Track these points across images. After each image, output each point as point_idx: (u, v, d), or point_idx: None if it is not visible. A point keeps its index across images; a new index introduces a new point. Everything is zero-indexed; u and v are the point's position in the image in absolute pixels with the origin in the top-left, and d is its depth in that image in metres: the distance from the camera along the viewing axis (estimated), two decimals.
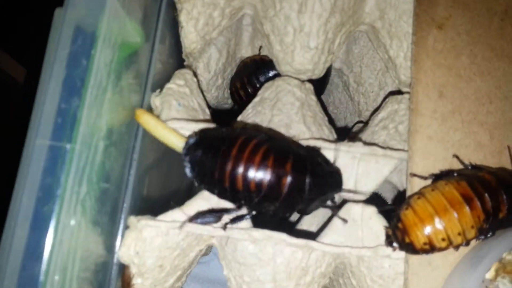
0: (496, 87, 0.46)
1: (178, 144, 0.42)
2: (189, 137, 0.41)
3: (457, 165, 0.43)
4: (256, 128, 0.48)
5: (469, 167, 0.43)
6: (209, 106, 0.71)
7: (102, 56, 0.35)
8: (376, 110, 0.56)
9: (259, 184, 0.38)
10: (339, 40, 0.53)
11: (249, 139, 0.39)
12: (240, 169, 0.38)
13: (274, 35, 0.53)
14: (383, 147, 0.46)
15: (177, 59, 0.58)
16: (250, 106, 0.52)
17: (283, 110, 0.49)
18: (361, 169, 0.46)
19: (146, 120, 0.42)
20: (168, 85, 0.49)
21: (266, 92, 0.52)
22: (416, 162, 0.43)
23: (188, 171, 0.40)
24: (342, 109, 0.75)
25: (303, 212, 0.51)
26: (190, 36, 0.51)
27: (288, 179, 0.38)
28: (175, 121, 0.45)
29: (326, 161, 0.42)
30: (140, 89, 0.48)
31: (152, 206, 0.49)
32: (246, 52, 0.67)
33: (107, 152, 0.39)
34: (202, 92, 0.62)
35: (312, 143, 0.46)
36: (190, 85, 0.51)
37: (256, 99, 0.52)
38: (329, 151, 0.46)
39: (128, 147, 0.45)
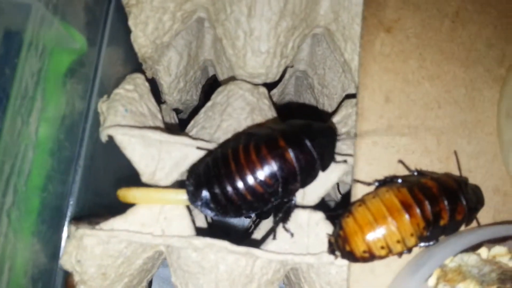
0: (446, 91, 0.45)
1: (180, 198, 0.41)
2: (186, 186, 0.40)
3: (403, 171, 0.43)
4: (235, 135, 0.47)
5: (415, 173, 0.42)
6: (178, 111, 0.72)
7: (28, 65, 0.35)
8: (334, 113, 0.55)
9: (273, 176, 0.38)
10: (292, 44, 0.52)
11: (235, 147, 0.39)
12: (250, 177, 0.38)
13: (226, 39, 0.52)
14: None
15: (136, 63, 0.57)
16: (202, 110, 0.51)
17: (232, 115, 0.48)
18: None
19: (133, 196, 0.42)
20: (116, 90, 0.49)
21: (218, 96, 0.51)
22: (361, 167, 0.43)
23: (209, 213, 0.40)
24: None
25: (324, 168, 0.47)
26: (139, 40, 0.51)
27: (290, 152, 0.38)
28: (118, 127, 0.45)
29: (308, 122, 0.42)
30: (86, 95, 0.47)
31: (103, 211, 0.49)
32: (209, 54, 0.66)
33: (41, 161, 0.39)
34: (161, 95, 0.62)
35: None
36: (140, 90, 0.50)
37: (208, 104, 0.52)
38: None
39: (71, 154, 0.44)
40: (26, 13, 0.35)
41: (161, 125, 0.51)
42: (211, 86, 0.76)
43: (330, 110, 0.66)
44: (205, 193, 0.39)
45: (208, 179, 0.39)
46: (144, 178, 0.46)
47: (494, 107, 0.45)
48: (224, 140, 0.47)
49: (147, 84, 0.52)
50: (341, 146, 0.48)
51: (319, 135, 0.41)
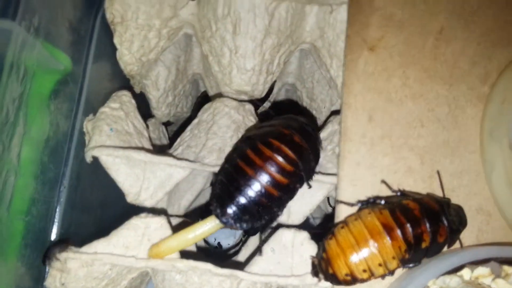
0: (429, 109, 0.45)
1: (212, 225, 0.40)
2: (212, 210, 0.40)
3: (387, 191, 0.43)
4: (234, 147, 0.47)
5: (398, 193, 0.42)
6: (168, 123, 0.72)
7: (9, 91, 0.35)
8: (322, 127, 0.55)
9: (291, 162, 0.39)
10: (278, 60, 0.52)
11: (243, 153, 0.40)
12: (270, 173, 0.39)
13: (212, 56, 0.52)
14: (315, 172, 0.45)
15: (124, 78, 0.57)
16: (188, 128, 0.52)
17: (218, 134, 0.49)
18: None
19: (166, 249, 0.41)
20: (102, 109, 0.49)
21: (204, 114, 0.51)
22: (344, 188, 0.43)
23: (245, 227, 0.40)
24: None
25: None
26: (125, 58, 0.51)
27: (297, 135, 0.41)
28: (102, 148, 0.45)
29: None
30: (71, 114, 0.47)
31: (90, 230, 0.49)
32: (198, 68, 0.66)
33: (24, 184, 0.39)
34: (150, 109, 0.62)
35: None
36: (126, 108, 0.50)
37: (195, 121, 0.52)
38: None
39: (55, 175, 0.44)
40: (6, 38, 0.35)
41: (147, 143, 0.51)
42: (205, 97, 0.76)
43: (319, 123, 0.66)
44: (232, 209, 0.39)
45: (229, 194, 0.39)
46: (129, 199, 0.46)
47: (477, 125, 0.45)
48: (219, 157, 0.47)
49: (133, 101, 0.52)
50: (326, 165, 0.48)
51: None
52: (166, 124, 0.72)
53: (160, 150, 0.62)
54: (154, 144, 0.61)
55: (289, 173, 0.39)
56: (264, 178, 0.39)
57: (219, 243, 0.83)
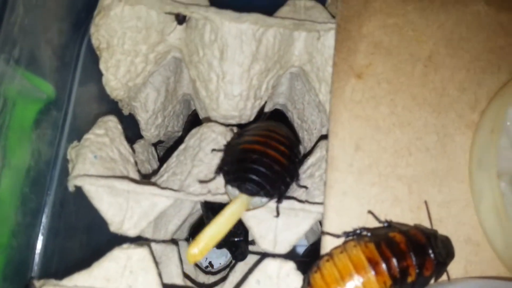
0: (417, 138, 0.44)
1: (240, 203, 0.41)
2: (234, 186, 0.42)
3: (374, 222, 0.42)
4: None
5: (385, 224, 0.42)
6: (160, 142, 0.71)
7: None
8: (311, 152, 0.55)
9: (287, 142, 0.45)
10: (266, 86, 0.52)
11: (245, 139, 0.45)
12: (273, 143, 0.43)
13: (200, 81, 0.52)
14: (301, 201, 0.45)
15: (112, 100, 0.56)
16: (175, 154, 0.51)
17: (204, 161, 0.48)
18: (280, 222, 0.45)
19: (206, 240, 0.39)
20: (86, 136, 0.48)
21: (191, 139, 0.51)
22: (330, 219, 0.42)
23: (267, 191, 0.41)
24: None
25: None
26: (111, 84, 0.50)
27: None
28: (85, 177, 0.44)
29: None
30: (54, 142, 0.46)
31: (73, 259, 0.48)
32: (188, 88, 0.66)
33: (4, 218, 0.38)
34: (139, 131, 0.62)
35: (225, 198, 0.44)
36: (111, 133, 0.50)
37: (181, 147, 0.51)
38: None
39: (37, 205, 0.44)
40: None
41: (133, 169, 0.50)
42: (197, 115, 0.76)
43: (310, 144, 0.66)
44: (252, 176, 0.41)
45: (245, 169, 0.42)
46: (112, 228, 0.45)
47: (466, 154, 0.44)
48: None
49: (119, 126, 0.51)
50: (314, 192, 0.47)
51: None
52: (157, 142, 0.72)
53: (148, 174, 0.62)
54: (141, 169, 0.61)
55: (287, 146, 0.44)
56: (271, 148, 0.43)
57: (210, 262, 0.82)
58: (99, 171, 0.46)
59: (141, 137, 0.64)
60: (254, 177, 0.41)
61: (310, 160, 0.51)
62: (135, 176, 0.50)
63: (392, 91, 0.45)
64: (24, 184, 0.41)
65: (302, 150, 0.49)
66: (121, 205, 0.45)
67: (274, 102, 0.67)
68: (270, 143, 0.43)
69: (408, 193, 0.43)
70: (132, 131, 0.62)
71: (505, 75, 0.47)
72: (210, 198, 0.45)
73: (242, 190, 0.41)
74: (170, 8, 0.47)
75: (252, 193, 0.41)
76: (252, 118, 0.54)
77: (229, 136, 0.50)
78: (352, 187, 0.43)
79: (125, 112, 0.60)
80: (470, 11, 0.48)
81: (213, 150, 0.48)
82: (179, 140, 0.81)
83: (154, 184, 0.46)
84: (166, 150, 0.85)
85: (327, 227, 0.42)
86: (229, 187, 0.43)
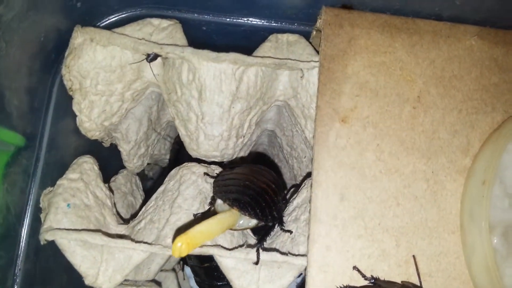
0: (405, 186, 0.42)
1: (231, 214, 0.42)
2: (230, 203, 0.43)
3: (359, 278, 0.40)
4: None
5: (371, 281, 0.39)
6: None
7: None
8: (297, 189, 0.53)
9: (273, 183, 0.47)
10: (248, 123, 0.50)
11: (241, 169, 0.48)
12: (265, 178, 0.46)
13: (179, 119, 0.49)
14: (283, 253, 0.43)
15: None
16: (154, 197, 0.49)
17: (183, 207, 0.46)
18: (263, 274, 0.43)
19: (195, 234, 0.38)
20: (60, 181, 0.46)
21: (171, 182, 0.48)
22: (313, 276, 0.40)
23: (255, 214, 0.43)
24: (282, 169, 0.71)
25: None
26: (85, 125, 0.48)
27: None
28: (56, 231, 0.42)
29: None
30: (25, 190, 0.44)
31: None
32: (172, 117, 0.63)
33: None
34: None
35: (204, 250, 0.42)
36: (86, 177, 0.47)
37: (161, 189, 0.49)
38: (225, 259, 0.42)
39: (8, 260, 0.42)
40: None
41: (109, 213, 0.48)
42: None
43: (299, 172, 0.63)
44: (248, 200, 0.43)
45: (243, 192, 0.44)
46: (87, 281, 0.43)
47: (457, 202, 0.42)
48: None
49: (95, 167, 0.49)
50: (299, 238, 0.45)
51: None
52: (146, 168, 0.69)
53: (129, 210, 0.60)
54: (123, 202, 0.59)
55: (276, 187, 0.46)
56: (263, 183, 0.45)
57: None
58: (73, 220, 0.44)
59: (123, 168, 0.62)
60: (246, 197, 0.43)
61: (296, 201, 0.49)
62: (112, 220, 0.48)
63: (378, 135, 0.43)
64: None
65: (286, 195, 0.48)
66: (95, 258, 0.43)
67: (262, 128, 0.65)
68: (263, 179, 0.46)
69: (395, 246, 0.41)
70: (116, 159, 0.60)
71: (500, 115, 0.44)
72: None
73: (234, 205, 0.42)
74: (144, 48, 0.45)
75: (242, 209, 0.42)
76: (235, 156, 0.52)
77: (209, 178, 0.48)
78: (336, 241, 0.40)
79: (106, 144, 0.58)
80: (462, 46, 0.46)
81: (205, 174, 0.48)
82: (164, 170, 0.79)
83: (128, 237, 0.44)
84: (159, 173, 0.84)
85: (310, 285, 0.40)
86: (219, 202, 0.44)
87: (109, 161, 0.62)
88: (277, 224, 0.46)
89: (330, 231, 0.41)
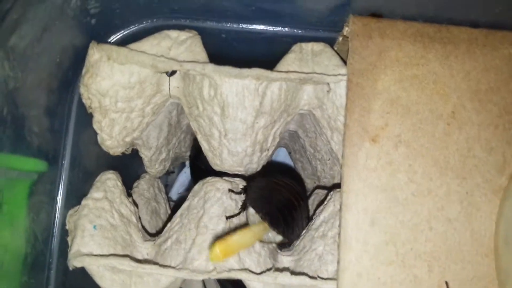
0: (438, 208, 0.41)
1: (265, 228, 0.43)
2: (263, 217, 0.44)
3: None
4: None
5: None
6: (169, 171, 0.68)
7: None
8: (323, 202, 0.51)
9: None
10: (273, 137, 0.48)
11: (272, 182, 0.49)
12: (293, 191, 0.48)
13: (201, 134, 0.48)
14: (312, 277, 0.42)
15: None
16: (178, 213, 0.48)
17: (209, 227, 0.45)
18: None
19: (228, 249, 0.39)
20: (84, 201, 0.46)
21: (195, 198, 0.48)
22: None
23: (282, 231, 0.44)
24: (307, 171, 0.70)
25: None
26: (107, 143, 0.47)
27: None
28: (84, 257, 0.42)
29: None
30: (51, 215, 0.44)
31: None
32: None
33: None
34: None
35: (233, 275, 0.42)
36: (111, 195, 0.47)
37: (185, 204, 0.48)
38: (254, 283, 0.42)
39: (38, 285, 0.42)
40: None
41: (135, 230, 0.48)
42: None
43: (323, 174, 0.62)
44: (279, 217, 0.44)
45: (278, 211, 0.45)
46: None
47: (492, 224, 0.41)
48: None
49: (119, 183, 0.49)
50: (326, 256, 0.44)
51: None
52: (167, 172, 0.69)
53: (154, 212, 0.60)
54: (147, 208, 0.59)
55: (305, 204, 0.49)
56: (296, 200, 0.46)
57: None
58: (100, 243, 0.44)
59: (145, 172, 0.62)
60: (280, 215, 0.44)
61: (323, 215, 0.48)
62: (138, 238, 0.47)
63: (410, 155, 0.41)
64: (22, 274, 0.39)
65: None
66: (124, 281, 0.43)
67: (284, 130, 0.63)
68: (296, 195, 0.47)
69: (427, 271, 0.40)
70: (138, 163, 0.60)
71: None
72: (215, 276, 0.42)
73: (267, 219, 0.43)
74: (164, 66, 0.43)
75: (275, 226, 0.43)
76: (259, 168, 0.50)
77: (234, 194, 0.47)
78: (367, 268, 0.40)
79: (128, 152, 0.57)
80: (499, 55, 0.43)
81: (230, 190, 0.47)
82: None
83: (155, 258, 0.44)
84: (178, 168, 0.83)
85: None
86: (252, 211, 0.45)
87: (131, 165, 0.62)
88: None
89: (361, 257, 0.40)
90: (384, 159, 0.41)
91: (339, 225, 0.41)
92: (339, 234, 0.41)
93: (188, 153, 0.75)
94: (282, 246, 0.50)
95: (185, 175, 0.83)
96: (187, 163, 0.81)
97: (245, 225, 0.45)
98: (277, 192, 0.47)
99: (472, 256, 0.40)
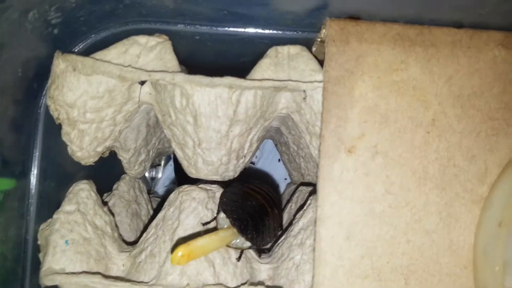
0: (416, 220, 0.39)
1: (233, 234, 0.43)
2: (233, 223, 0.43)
3: None
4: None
5: None
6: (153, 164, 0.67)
7: None
8: (302, 207, 0.50)
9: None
10: (249, 143, 0.47)
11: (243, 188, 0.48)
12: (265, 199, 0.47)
13: (175, 142, 0.46)
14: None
15: None
16: (153, 223, 0.47)
17: (184, 238, 0.44)
18: None
19: (191, 251, 0.39)
20: (56, 215, 0.45)
21: (171, 208, 0.47)
22: None
23: (250, 236, 0.43)
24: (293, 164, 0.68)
25: None
26: (77, 154, 0.45)
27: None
28: (55, 275, 0.41)
29: None
30: (22, 225, 0.43)
31: None
32: None
33: None
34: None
35: None
36: (83, 207, 0.46)
37: (160, 214, 0.47)
38: None
39: None
40: None
41: (110, 241, 0.47)
42: None
43: (307, 171, 0.61)
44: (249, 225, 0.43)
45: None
46: None
47: (471, 235, 0.40)
48: None
49: (93, 193, 0.48)
50: (303, 267, 0.44)
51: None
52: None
53: (135, 215, 0.59)
54: (127, 211, 0.58)
55: (279, 213, 0.48)
56: (270, 208, 0.46)
57: None
58: (72, 258, 0.43)
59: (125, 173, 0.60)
60: (250, 221, 0.43)
61: (302, 221, 0.47)
62: (113, 249, 0.47)
63: (388, 166, 0.40)
64: None
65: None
66: None
67: (267, 127, 0.61)
68: (270, 203, 0.46)
69: (404, 284, 0.39)
70: (119, 164, 0.58)
71: None
72: None
73: (236, 225, 0.42)
74: (131, 76, 0.41)
75: (243, 233, 0.43)
76: (237, 174, 0.49)
77: (211, 203, 0.46)
78: (343, 283, 0.39)
79: (105, 155, 0.55)
80: (484, 57, 0.41)
81: (204, 224, 0.45)
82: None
83: (128, 280, 0.43)
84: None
85: None
86: (222, 215, 0.44)
87: (115, 165, 0.60)
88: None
89: (336, 271, 0.39)
90: (361, 170, 0.40)
91: (314, 239, 0.40)
92: (314, 248, 0.40)
93: (172, 149, 0.74)
94: (261, 252, 0.50)
95: (171, 168, 0.82)
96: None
97: (214, 229, 0.44)
98: (251, 197, 0.46)
99: (450, 268, 0.39)
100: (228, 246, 0.44)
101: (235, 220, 0.42)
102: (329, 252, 0.39)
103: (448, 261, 0.39)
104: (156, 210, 0.63)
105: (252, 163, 0.83)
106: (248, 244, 0.44)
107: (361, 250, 0.39)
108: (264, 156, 0.83)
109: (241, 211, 0.43)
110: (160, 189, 0.82)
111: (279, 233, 0.48)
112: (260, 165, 0.83)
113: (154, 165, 0.84)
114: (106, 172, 0.61)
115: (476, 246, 0.39)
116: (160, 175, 0.84)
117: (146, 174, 0.82)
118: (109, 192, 0.59)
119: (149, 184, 0.83)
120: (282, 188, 0.81)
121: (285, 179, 0.80)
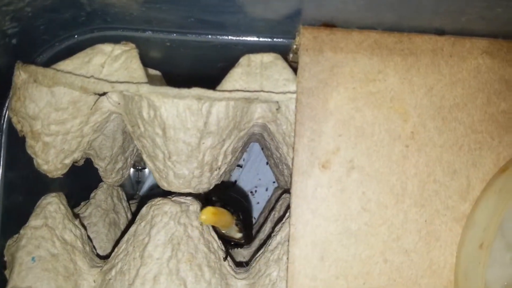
0: (393, 239, 0.38)
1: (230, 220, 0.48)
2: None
3: None
4: None
5: None
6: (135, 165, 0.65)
7: None
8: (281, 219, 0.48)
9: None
10: (223, 155, 0.45)
11: None
12: None
13: (146, 154, 0.44)
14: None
15: None
16: (125, 238, 0.45)
17: (153, 256, 0.42)
18: None
19: (216, 213, 0.43)
20: (22, 231, 0.43)
21: (142, 222, 0.45)
22: None
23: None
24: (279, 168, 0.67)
25: None
26: (43, 167, 0.44)
27: None
28: None
29: None
30: None
31: None
32: None
33: None
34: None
35: None
36: (51, 221, 0.44)
37: (132, 229, 0.45)
38: None
39: None
40: None
41: (80, 256, 0.45)
42: None
43: (289, 179, 0.59)
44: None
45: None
46: None
47: (452, 254, 0.38)
48: None
49: (62, 206, 0.46)
50: (279, 284, 0.42)
51: None
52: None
53: (113, 224, 0.57)
54: (105, 220, 0.56)
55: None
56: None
57: None
58: (39, 276, 0.41)
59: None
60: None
61: (279, 235, 0.45)
62: (83, 264, 0.45)
63: (364, 182, 0.38)
64: None
65: None
66: None
67: (249, 133, 0.59)
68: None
69: None
70: (97, 172, 0.57)
71: (507, 150, 0.38)
72: None
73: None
74: (94, 88, 0.39)
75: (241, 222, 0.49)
76: (212, 186, 0.47)
77: (184, 217, 0.44)
78: None
79: (80, 163, 0.54)
80: (467, 66, 0.39)
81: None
82: None
83: None
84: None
85: None
86: None
87: (90, 175, 0.59)
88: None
89: None
90: (336, 187, 0.38)
91: (287, 259, 0.38)
92: (287, 268, 0.38)
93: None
94: (239, 265, 0.48)
95: None
96: None
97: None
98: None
99: None
100: (221, 231, 0.49)
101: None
102: (302, 273, 0.37)
103: (427, 281, 0.37)
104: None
105: (240, 165, 0.81)
106: (238, 235, 0.50)
107: (336, 270, 0.37)
108: (251, 158, 0.81)
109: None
110: (146, 193, 0.81)
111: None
112: (248, 167, 0.81)
113: (140, 169, 0.82)
114: (85, 180, 0.59)
115: (458, 267, 0.37)
116: (145, 178, 0.82)
117: (131, 178, 0.81)
118: (87, 201, 0.57)
119: (134, 187, 0.81)
120: (270, 191, 0.80)
121: (273, 182, 0.79)
